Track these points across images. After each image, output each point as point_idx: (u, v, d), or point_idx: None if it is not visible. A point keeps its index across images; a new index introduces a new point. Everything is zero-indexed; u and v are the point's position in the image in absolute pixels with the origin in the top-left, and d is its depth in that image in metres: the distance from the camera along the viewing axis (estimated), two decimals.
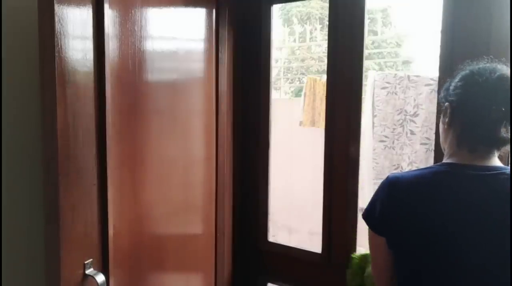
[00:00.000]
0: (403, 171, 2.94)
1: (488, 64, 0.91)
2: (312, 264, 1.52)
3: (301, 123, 4.11)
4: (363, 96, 1.38)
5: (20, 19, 1.03)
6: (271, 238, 1.68)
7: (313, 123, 4.03)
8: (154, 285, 1.24)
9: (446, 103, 0.93)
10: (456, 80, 0.93)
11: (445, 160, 0.93)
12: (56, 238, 0.90)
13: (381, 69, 5.67)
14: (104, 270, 1.01)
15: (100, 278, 0.97)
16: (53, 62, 0.86)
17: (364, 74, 1.39)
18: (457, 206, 0.84)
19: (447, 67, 1.24)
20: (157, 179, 1.20)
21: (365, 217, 0.97)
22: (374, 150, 3.12)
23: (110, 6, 0.98)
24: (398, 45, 7.62)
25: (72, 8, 0.89)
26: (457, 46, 1.22)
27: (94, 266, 0.99)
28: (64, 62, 0.88)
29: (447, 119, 0.93)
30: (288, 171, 3.92)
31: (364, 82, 1.40)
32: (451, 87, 0.94)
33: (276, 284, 1.66)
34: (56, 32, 0.85)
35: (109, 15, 0.98)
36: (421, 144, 2.84)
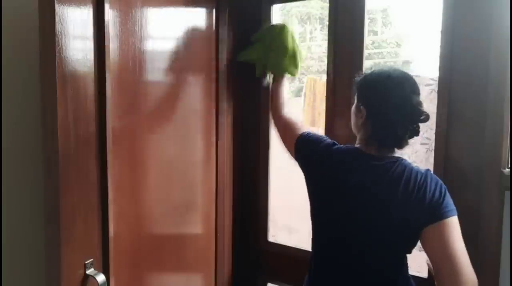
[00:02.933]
0: None
1: (403, 77, 1.05)
2: None
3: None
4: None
5: (21, 19, 1.03)
6: (271, 238, 1.68)
7: (313, 123, 4.03)
8: (155, 285, 1.24)
9: (362, 107, 1.08)
10: (373, 85, 1.07)
11: (357, 143, 1.12)
12: (56, 238, 0.90)
13: None
14: (105, 270, 1.01)
15: (101, 278, 0.97)
16: (53, 62, 0.86)
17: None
18: (353, 181, 1.03)
19: (447, 67, 1.24)
20: (157, 179, 1.20)
21: (304, 134, 1.23)
22: None
23: (111, 6, 0.98)
24: (398, 45, 7.62)
25: (72, 8, 0.89)
26: (457, 46, 1.22)
27: (95, 266, 0.99)
28: (65, 62, 0.88)
29: (362, 120, 1.08)
30: (288, 171, 3.92)
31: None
32: (367, 92, 1.08)
33: (276, 284, 1.66)
34: (57, 32, 0.85)
35: (110, 15, 0.98)
36: (421, 144, 2.85)
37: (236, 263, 1.63)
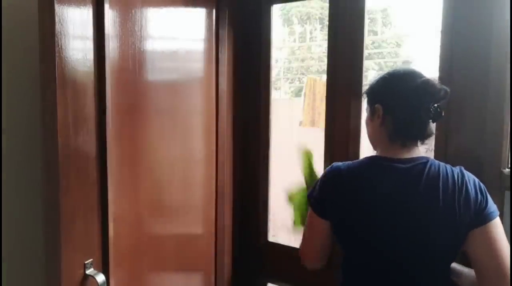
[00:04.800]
0: None
1: (407, 69, 1.03)
2: None
3: (301, 123, 4.11)
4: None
5: (20, 19, 1.03)
6: (271, 238, 1.68)
7: (313, 123, 4.03)
8: (155, 285, 1.24)
9: (377, 105, 1.02)
10: (382, 83, 1.03)
11: (377, 153, 1.04)
12: (56, 238, 0.90)
13: (381, 69, 5.67)
14: (105, 270, 1.01)
15: (101, 278, 0.97)
16: (53, 62, 0.86)
17: (364, 74, 1.39)
18: (389, 197, 0.94)
19: (447, 67, 1.24)
20: (157, 179, 1.20)
21: (312, 203, 1.07)
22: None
23: (110, 6, 0.98)
24: (398, 45, 7.62)
25: (72, 8, 0.89)
26: (457, 46, 1.22)
27: (95, 266, 0.99)
28: (65, 62, 0.88)
29: (379, 119, 1.02)
30: (288, 171, 3.92)
31: (364, 82, 1.40)
32: (377, 89, 1.04)
33: (276, 284, 1.66)
34: (56, 32, 0.85)
35: (109, 15, 0.98)
36: (421, 143, 2.84)
37: (236, 263, 1.63)
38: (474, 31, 1.19)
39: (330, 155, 1.45)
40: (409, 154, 0.99)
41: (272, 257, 1.63)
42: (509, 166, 1.20)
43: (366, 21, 1.39)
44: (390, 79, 1.01)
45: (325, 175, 1.05)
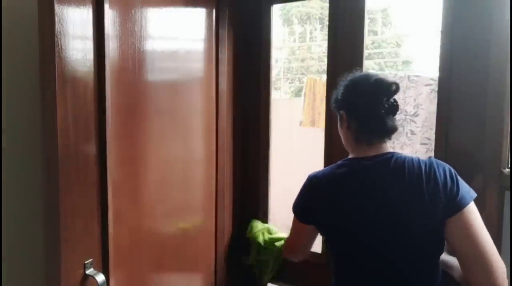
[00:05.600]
0: None
1: (362, 73, 1.10)
2: (312, 264, 1.52)
3: (301, 123, 4.11)
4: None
5: (20, 19, 1.03)
6: None
7: (313, 123, 4.03)
8: (155, 285, 1.24)
9: (341, 111, 1.09)
10: (342, 90, 1.09)
11: (350, 156, 1.10)
12: (56, 238, 0.90)
13: (381, 69, 5.67)
14: (104, 270, 1.01)
15: (100, 278, 0.97)
16: (53, 62, 0.86)
17: None
18: (359, 194, 0.99)
19: (447, 67, 1.24)
20: (157, 179, 1.20)
21: (294, 211, 1.16)
22: None
23: (110, 6, 0.98)
24: (398, 45, 7.62)
25: (72, 8, 0.89)
26: (457, 46, 1.22)
27: (95, 266, 0.99)
28: (64, 62, 0.88)
29: (345, 124, 1.08)
30: (288, 171, 3.92)
31: None
32: (340, 97, 1.09)
33: (276, 284, 1.66)
34: (56, 32, 0.85)
35: (109, 15, 0.98)
36: (421, 144, 2.84)
37: (236, 263, 1.63)
38: (474, 31, 1.19)
39: (330, 154, 1.45)
40: (375, 151, 1.03)
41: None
42: (509, 166, 1.20)
43: (366, 21, 1.39)
44: (349, 85, 1.07)
45: (304, 186, 1.13)
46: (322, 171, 1.11)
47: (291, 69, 6.28)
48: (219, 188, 1.48)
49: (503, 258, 0.92)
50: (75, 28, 0.90)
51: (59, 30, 0.86)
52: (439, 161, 0.98)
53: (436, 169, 0.95)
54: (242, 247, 1.65)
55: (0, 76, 1.00)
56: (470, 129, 1.22)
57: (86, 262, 0.96)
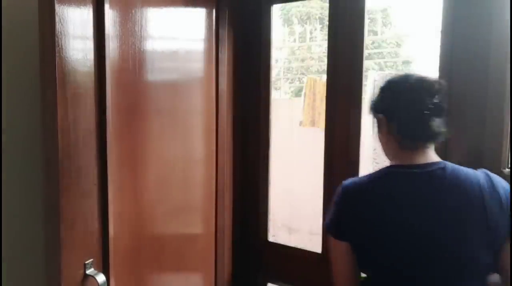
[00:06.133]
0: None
1: (402, 74, 1.00)
2: (312, 264, 1.52)
3: (301, 123, 4.11)
4: (363, 96, 1.38)
5: (20, 19, 1.03)
6: (271, 238, 1.68)
7: (313, 123, 4.03)
8: (155, 285, 1.24)
9: (380, 115, 1.00)
10: (380, 92, 1.01)
11: (391, 163, 1.01)
12: (56, 238, 0.90)
13: (381, 69, 5.67)
14: (105, 270, 1.01)
15: (101, 278, 0.97)
16: (53, 62, 0.86)
17: (364, 74, 1.39)
18: (403, 204, 0.90)
19: (447, 67, 1.24)
20: (157, 179, 1.20)
21: (328, 227, 1.01)
22: (374, 149, 3.12)
23: (111, 6, 0.98)
24: (398, 45, 7.61)
25: (72, 8, 0.89)
26: (457, 46, 1.22)
27: (95, 266, 0.99)
28: (65, 62, 0.88)
29: (385, 129, 0.99)
30: (288, 171, 3.93)
31: (364, 82, 1.40)
32: (377, 100, 1.01)
33: (276, 284, 1.66)
34: (57, 32, 0.85)
35: (110, 15, 0.98)
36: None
37: (236, 263, 1.63)
38: (474, 31, 1.19)
39: (330, 154, 1.45)
40: (424, 159, 0.93)
41: (272, 257, 1.63)
42: (509, 166, 1.20)
43: (366, 21, 1.39)
44: (387, 86, 1.00)
45: (337, 196, 1.01)
46: (358, 178, 1.02)
47: (291, 69, 6.28)
48: (219, 188, 1.48)
49: None
50: (75, 28, 0.90)
51: (59, 30, 0.86)
52: (494, 175, 0.89)
53: (497, 186, 0.86)
54: (242, 247, 1.65)
55: (0, 76, 1.00)
56: (470, 129, 1.22)
57: (86, 262, 0.96)
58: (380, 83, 1.04)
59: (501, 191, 0.86)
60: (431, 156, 0.95)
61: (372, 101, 1.04)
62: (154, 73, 1.17)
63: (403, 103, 0.94)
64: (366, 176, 1.00)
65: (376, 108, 1.02)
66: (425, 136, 0.94)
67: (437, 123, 0.93)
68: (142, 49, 1.10)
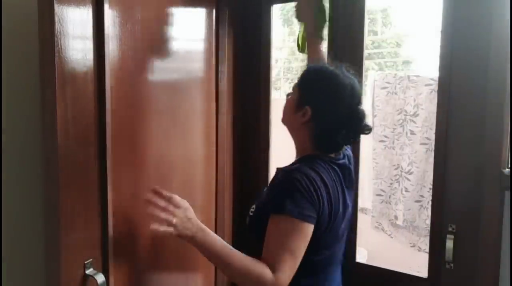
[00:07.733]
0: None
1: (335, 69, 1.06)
2: None
3: None
4: (363, 96, 1.38)
5: (20, 19, 1.03)
6: None
7: None
8: (154, 285, 1.24)
9: (307, 107, 1.02)
10: (320, 86, 1.04)
11: (303, 146, 1.10)
12: (56, 238, 0.90)
13: (381, 69, 5.67)
14: (104, 270, 1.01)
15: (100, 278, 0.97)
16: (53, 62, 0.86)
17: (364, 74, 1.39)
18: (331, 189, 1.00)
19: (447, 67, 1.24)
20: (157, 179, 1.20)
21: (301, 216, 0.95)
22: (374, 150, 3.12)
23: (110, 6, 0.98)
24: (398, 45, 7.60)
25: (72, 8, 0.89)
26: (457, 46, 1.22)
27: (94, 266, 0.99)
28: (64, 62, 0.88)
29: (303, 119, 1.04)
30: None
31: (364, 82, 1.40)
32: (314, 92, 1.04)
33: None
34: (56, 32, 0.85)
35: (109, 15, 0.98)
36: (421, 143, 2.84)
37: None
38: (474, 31, 1.19)
39: None
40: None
41: None
42: (509, 166, 1.20)
43: (366, 21, 1.39)
44: (334, 90, 1.02)
45: (300, 183, 0.95)
46: (305, 166, 1.01)
47: (291, 69, 6.27)
48: (219, 188, 1.48)
49: (503, 258, 0.92)
50: (75, 28, 0.90)
51: (59, 30, 0.86)
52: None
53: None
54: (242, 247, 1.65)
55: (0, 76, 1.00)
56: (470, 129, 1.22)
57: (86, 262, 0.96)
58: (324, 69, 1.08)
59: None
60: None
61: (309, 78, 1.10)
62: (154, 73, 1.17)
63: (334, 118, 1.03)
64: (308, 163, 1.02)
65: (308, 95, 1.07)
66: (332, 150, 1.09)
67: (347, 143, 1.09)
68: (142, 49, 1.10)
